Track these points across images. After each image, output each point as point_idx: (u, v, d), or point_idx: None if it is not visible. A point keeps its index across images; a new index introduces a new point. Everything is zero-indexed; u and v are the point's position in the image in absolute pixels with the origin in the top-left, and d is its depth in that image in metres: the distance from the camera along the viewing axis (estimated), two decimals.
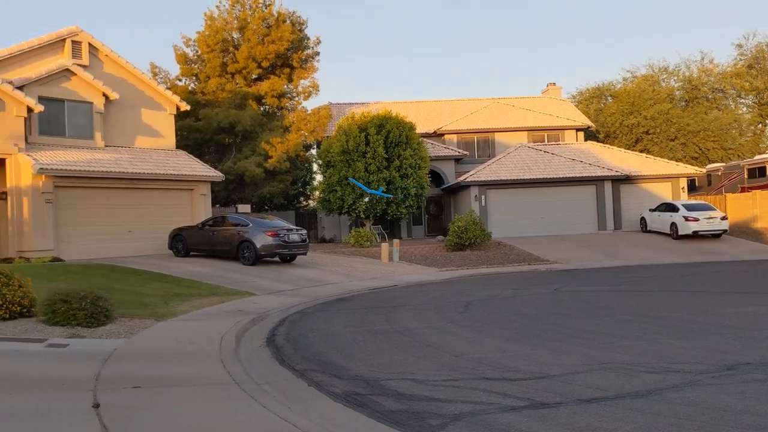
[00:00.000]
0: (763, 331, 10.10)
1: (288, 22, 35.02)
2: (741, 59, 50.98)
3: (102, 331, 9.96)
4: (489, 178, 32.86)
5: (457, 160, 37.21)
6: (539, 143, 37.86)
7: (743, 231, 31.25)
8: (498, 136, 39.19)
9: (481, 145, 39.23)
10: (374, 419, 5.98)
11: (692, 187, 37.58)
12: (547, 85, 46.38)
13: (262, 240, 20.97)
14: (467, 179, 32.98)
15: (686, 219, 29.38)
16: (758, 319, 11.35)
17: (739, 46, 51.90)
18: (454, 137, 38.95)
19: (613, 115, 47.13)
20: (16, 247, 20.57)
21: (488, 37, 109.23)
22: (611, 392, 6.68)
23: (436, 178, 35.88)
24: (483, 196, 32.75)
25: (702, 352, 8.57)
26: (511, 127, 39.11)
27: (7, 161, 20.72)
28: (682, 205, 30.49)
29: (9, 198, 20.85)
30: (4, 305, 10.14)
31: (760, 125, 51.01)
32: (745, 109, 52.10)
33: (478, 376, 7.51)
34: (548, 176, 32.96)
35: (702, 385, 6.89)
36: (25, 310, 10.50)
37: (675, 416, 5.87)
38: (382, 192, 27.74)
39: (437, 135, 38.80)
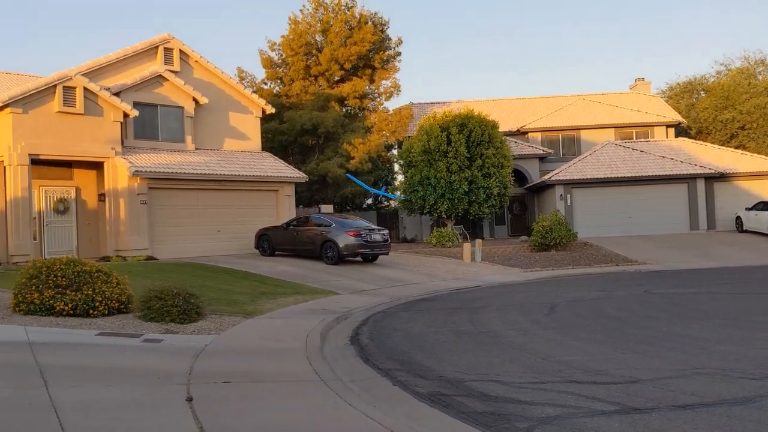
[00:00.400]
0: None
1: (370, 23, 35.30)
2: None
3: (194, 327, 10.31)
4: (574, 177, 32.14)
5: (542, 158, 36.56)
6: (627, 140, 36.74)
7: None
8: (584, 134, 38.27)
9: (566, 143, 38.39)
10: (460, 420, 5.93)
11: None
12: (636, 81, 44.97)
13: (344, 240, 21.22)
14: (552, 178, 32.36)
15: None
16: None
17: None
18: (538, 135, 38.27)
19: (706, 111, 45.15)
20: (113, 246, 21.58)
21: (574, 32, 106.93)
22: (707, 399, 6.40)
23: (520, 177, 35.36)
24: (568, 195, 32.06)
25: None
26: (598, 124, 38.11)
27: (105, 164, 21.77)
28: None
29: (107, 199, 21.90)
30: (104, 301, 10.64)
31: None
32: None
33: (566, 379, 7.34)
34: (637, 174, 31.94)
35: None
36: (122, 306, 11.00)
37: None
38: (384, 192, 27.21)
39: (521, 133, 38.23)
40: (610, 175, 32.08)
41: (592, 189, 32.28)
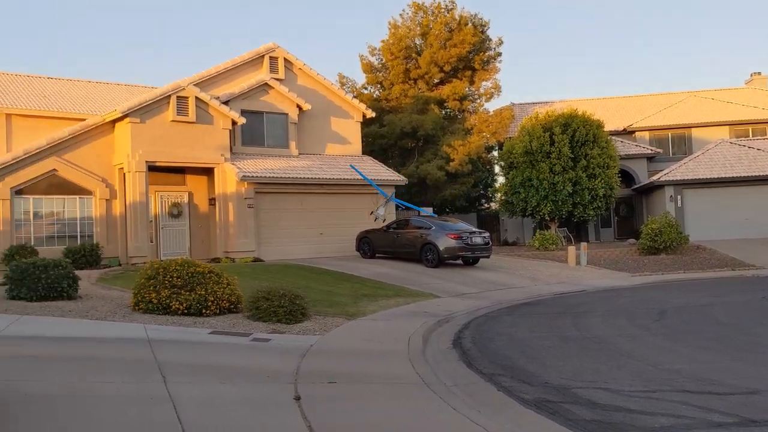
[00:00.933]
0: None
1: (470, 25, 35.13)
2: None
3: (299, 327, 10.60)
4: (685, 177, 30.75)
5: (650, 158, 35.16)
6: (743, 138, 34.77)
7: None
8: (695, 132, 36.49)
9: (675, 142, 36.74)
10: (567, 428, 5.81)
11: None
12: (751, 75, 42.46)
13: (444, 242, 21.19)
14: (661, 178, 31.10)
15: None
16: None
17: None
18: (646, 134, 36.82)
19: None
20: (222, 248, 22.49)
21: (683, 26, 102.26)
22: None
23: (627, 177, 34.15)
24: (679, 197, 30.71)
25: None
26: (710, 121, 36.25)
27: (215, 170, 22.73)
28: None
29: (217, 203, 22.86)
30: (215, 301, 11.13)
31: None
32: None
33: (677, 388, 7.06)
34: (754, 174, 30.16)
35: None
36: (232, 306, 11.45)
37: None
38: (395, 198, 25.59)
39: (627, 132, 36.91)
40: (724, 175, 30.48)
41: (705, 190, 30.78)
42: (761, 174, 30.09)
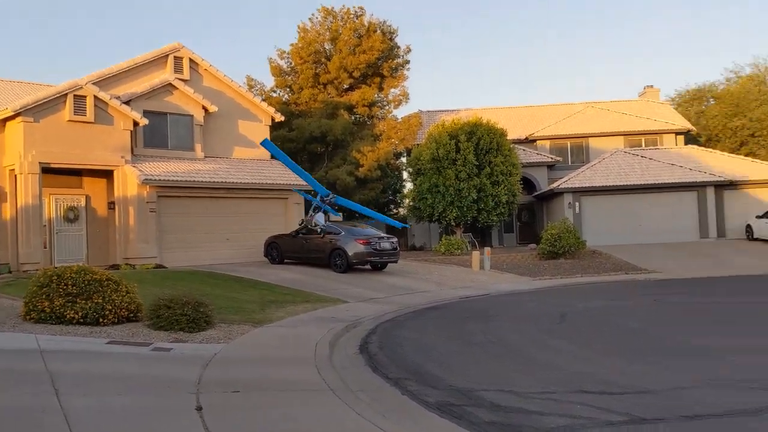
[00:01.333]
0: None
1: (378, 31, 35.43)
2: None
3: (203, 336, 10.32)
4: (583, 185, 32.08)
5: (550, 166, 36.52)
6: (636, 148, 36.67)
7: None
8: (592, 142, 38.20)
9: (574, 151, 38.32)
10: (468, 430, 5.92)
11: None
12: (644, 88, 44.88)
13: (353, 248, 21.22)
14: (560, 186, 32.32)
15: None
16: None
17: None
18: (547, 143, 38.24)
19: (716, 118, 44.98)
20: (122, 254, 21.65)
21: (582, 38, 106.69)
22: (719, 409, 6.37)
23: (528, 185, 35.33)
24: (577, 203, 31.99)
25: None
26: (606, 131, 38.05)
27: (114, 172, 21.87)
28: None
29: (116, 207, 21.99)
30: (114, 310, 10.66)
31: None
32: None
33: (576, 390, 7.32)
34: (646, 182, 31.84)
35: None
36: (131, 314, 11.01)
37: None
38: (339, 198, 24.33)
39: (529, 141, 38.20)
40: (619, 183, 31.99)
41: (601, 197, 32.20)
42: (653, 182, 31.78)
